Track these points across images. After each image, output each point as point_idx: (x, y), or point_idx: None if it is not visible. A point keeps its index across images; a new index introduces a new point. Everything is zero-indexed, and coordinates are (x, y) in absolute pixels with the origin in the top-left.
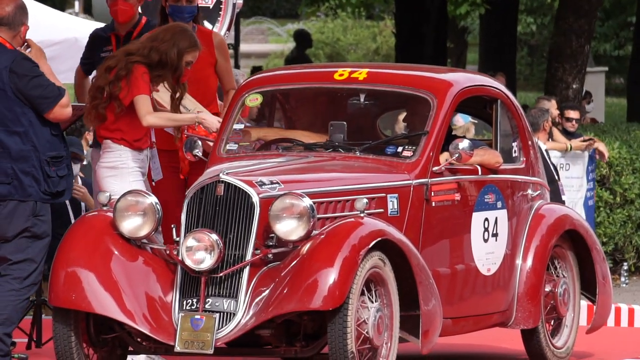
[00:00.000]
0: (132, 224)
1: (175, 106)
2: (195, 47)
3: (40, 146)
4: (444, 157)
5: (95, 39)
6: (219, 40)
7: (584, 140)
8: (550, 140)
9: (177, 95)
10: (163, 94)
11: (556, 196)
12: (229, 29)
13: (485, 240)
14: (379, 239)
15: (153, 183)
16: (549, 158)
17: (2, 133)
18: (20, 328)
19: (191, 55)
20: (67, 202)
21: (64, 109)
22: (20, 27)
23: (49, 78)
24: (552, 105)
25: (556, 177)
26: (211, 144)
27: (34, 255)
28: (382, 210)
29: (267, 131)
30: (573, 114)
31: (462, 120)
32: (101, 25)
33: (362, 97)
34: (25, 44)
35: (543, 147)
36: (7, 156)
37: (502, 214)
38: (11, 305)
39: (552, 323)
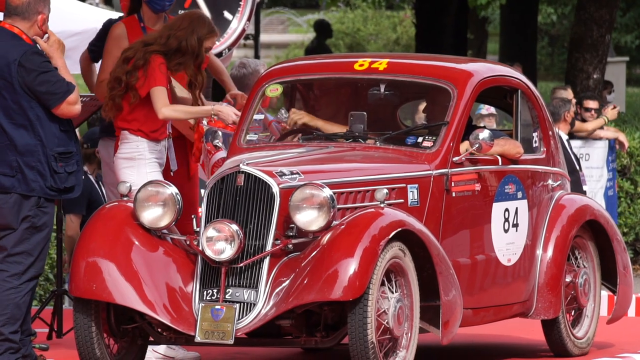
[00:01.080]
0: (153, 215)
1: (196, 95)
2: (214, 32)
3: (47, 141)
4: (464, 146)
5: (108, 29)
6: None
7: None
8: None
9: (198, 82)
10: (177, 90)
11: (577, 186)
12: (249, 20)
13: (506, 231)
14: (399, 229)
15: (171, 173)
16: (571, 148)
17: (9, 126)
18: (41, 318)
19: (210, 41)
20: (102, 194)
21: (71, 106)
22: (36, 17)
23: (62, 73)
24: (568, 94)
25: (577, 167)
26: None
27: (31, 249)
28: (402, 200)
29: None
30: (592, 104)
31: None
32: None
33: (382, 88)
34: (46, 34)
35: (564, 137)
36: (12, 149)
37: (522, 205)
38: (12, 304)
39: (572, 313)
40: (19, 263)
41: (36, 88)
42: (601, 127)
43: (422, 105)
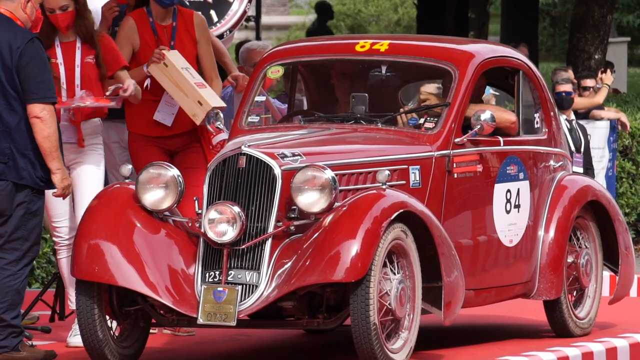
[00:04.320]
0: (155, 197)
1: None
2: None
3: None
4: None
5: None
6: (199, 20)
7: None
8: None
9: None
10: (176, 58)
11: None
12: (250, 1)
13: (508, 212)
14: (401, 210)
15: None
16: (579, 130)
17: (5, 112)
18: (43, 300)
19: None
20: None
21: (33, 116)
22: None
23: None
24: (569, 75)
25: (574, 149)
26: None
27: (27, 234)
28: (404, 182)
29: None
30: (589, 82)
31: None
32: None
33: (383, 69)
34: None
35: (564, 118)
36: (7, 135)
37: (524, 185)
38: (12, 290)
39: (574, 294)
40: (16, 249)
41: (20, 72)
42: (602, 107)
43: (424, 87)
